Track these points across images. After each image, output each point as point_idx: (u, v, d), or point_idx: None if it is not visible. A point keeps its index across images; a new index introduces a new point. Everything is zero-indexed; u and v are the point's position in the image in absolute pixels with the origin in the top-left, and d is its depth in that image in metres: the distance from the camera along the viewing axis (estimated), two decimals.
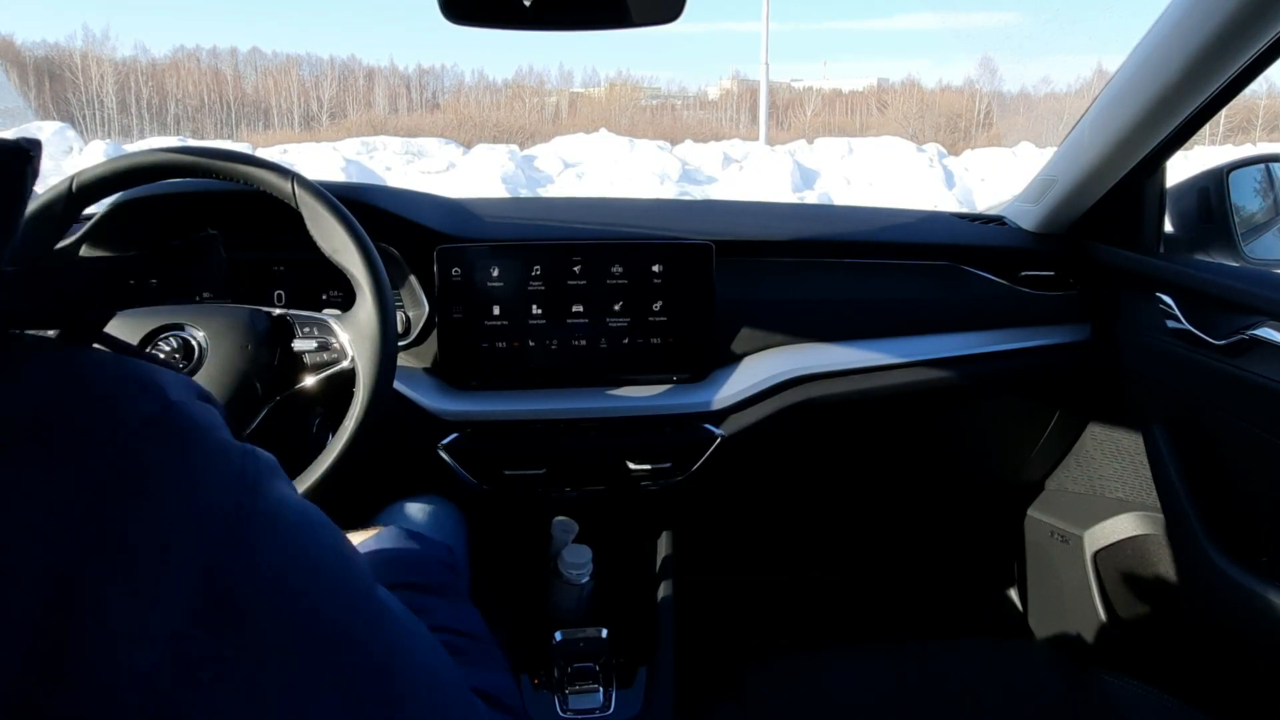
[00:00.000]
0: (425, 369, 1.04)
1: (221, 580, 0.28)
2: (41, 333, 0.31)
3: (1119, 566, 1.24)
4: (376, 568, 0.58)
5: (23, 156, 0.32)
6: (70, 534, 0.25)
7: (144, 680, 0.25)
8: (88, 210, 0.85)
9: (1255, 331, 0.91)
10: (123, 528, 0.26)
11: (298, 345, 0.83)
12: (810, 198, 9.60)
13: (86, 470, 0.26)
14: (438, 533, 0.91)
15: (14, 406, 0.27)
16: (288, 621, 0.29)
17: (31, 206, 0.78)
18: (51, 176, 0.79)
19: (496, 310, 1.01)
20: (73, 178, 0.80)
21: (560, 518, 1.07)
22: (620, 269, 1.01)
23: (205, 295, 1.04)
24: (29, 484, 0.25)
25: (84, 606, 0.25)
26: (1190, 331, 1.00)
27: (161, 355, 0.79)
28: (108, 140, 13.39)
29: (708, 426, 1.05)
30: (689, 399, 1.05)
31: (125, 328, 0.80)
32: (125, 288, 0.33)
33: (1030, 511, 1.41)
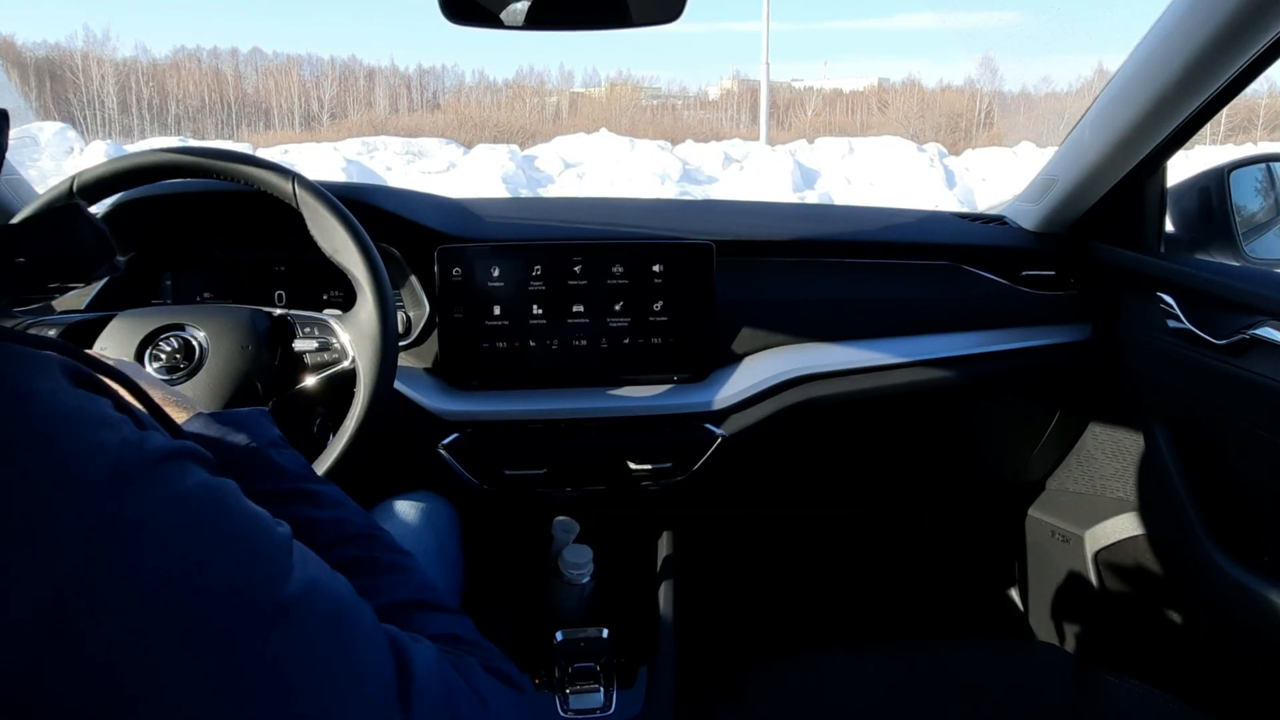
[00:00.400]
0: (426, 369, 1.04)
1: (71, 602, 0.25)
2: None
3: (1120, 566, 1.24)
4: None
5: None
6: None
7: None
8: (89, 210, 0.85)
9: (1256, 331, 0.91)
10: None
11: (298, 345, 0.83)
12: (811, 197, 9.60)
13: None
14: (430, 530, 0.91)
15: None
16: (149, 631, 0.26)
17: (32, 206, 0.79)
18: (52, 177, 0.80)
19: (497, 310, 1.01)
20: (74, 178, 0.80)
21: (561, 518, 1.07)
22: (621, 269, 1.01)
23: (206, 295, 1.04)
24: None
25: None
26: (1191, 331, 1.00)
27: (163, 356, 0.79)
28: (108, 140, 13.40)
29: (708, 426, 1.05)
30: (689, 399, 1.05)
31: (126, 329, 0.81)
32: None
33: (1031, 511, 1.41)
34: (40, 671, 0.24)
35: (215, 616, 0.28)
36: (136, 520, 0.27)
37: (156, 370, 0.79)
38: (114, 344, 0.80)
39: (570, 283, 1.01)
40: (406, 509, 0.93)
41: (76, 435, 0.27)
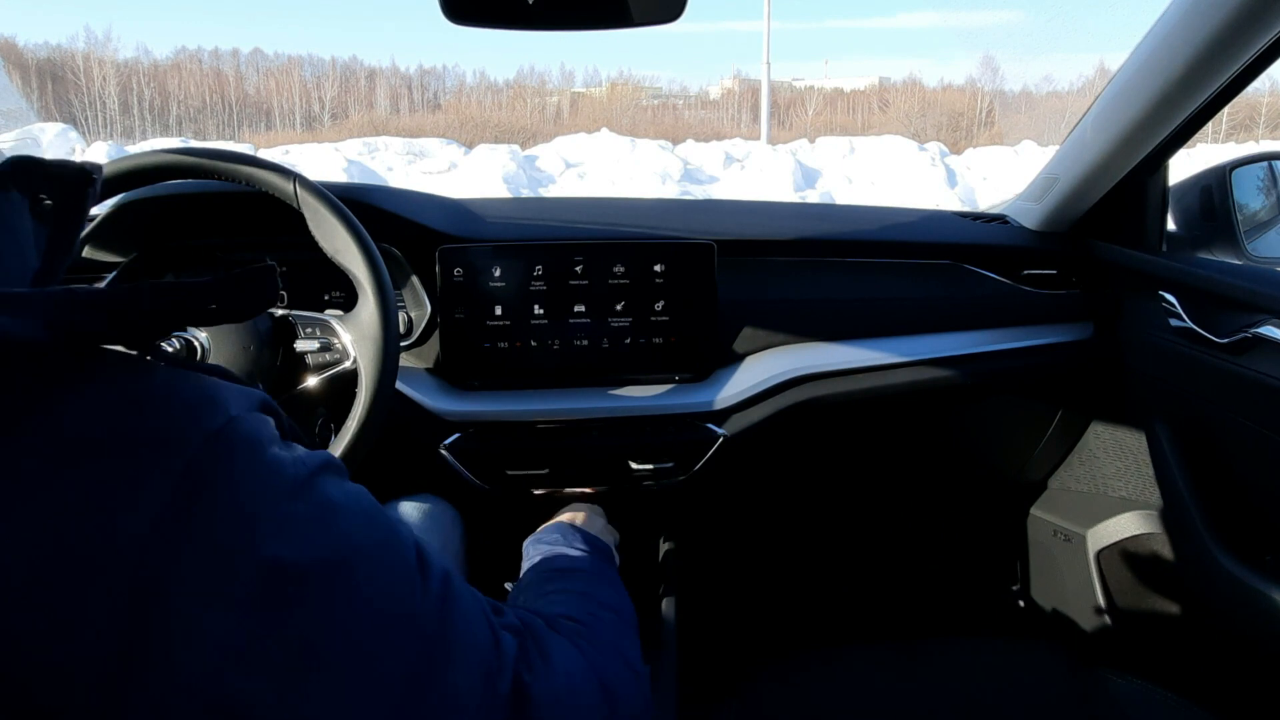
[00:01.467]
0: (427, 369, 1.04)
1: (278, 577, 0.30)
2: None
3: (1122, 565, 1.23)
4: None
5: (87, 179, 0.35)
6: (148, 536, 0.28)
7: (214, 671, 0.28)
8: (90, 211, 0.85)
9: (1258, 330, 0.91)
10: (192, 533, 0.29)
11: (300, 346, 0.83)
12: (812, 197, 9.59)
13: (160, 479, 0.29)
14: (433, 532, 0.91)
15: (94, 416, 0.29)
16: (335, 602, 0.32)
17: None
18: None
19: (498, 310, 1.01)
20: None
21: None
22: (622, 269, 1.01)
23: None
24: (109, 493, 0.28)
25: (161, 603, 0.27)
26: (1193, 330, 1.00)
27: (169, 354, 0.79)
28: (110, 141, 13.43)
29: (710, 426, 1.05)
30: (691, 399, 1.05)
31: None
32: (187, 310, 0.34)
33: (1033, 510, 1.41)
34: (255, 640, 0.29)
35: (370, 583, 0.34)
36: (314, 510, 0.33)
37: None
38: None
39: (572, 283, 1.01)
40: (410, 511, 0.93)
41: (264, 449, 0.33)
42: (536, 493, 1.08)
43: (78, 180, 0.35)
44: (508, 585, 0.97)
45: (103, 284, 0.92)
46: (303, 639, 0.30)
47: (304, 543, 0.32)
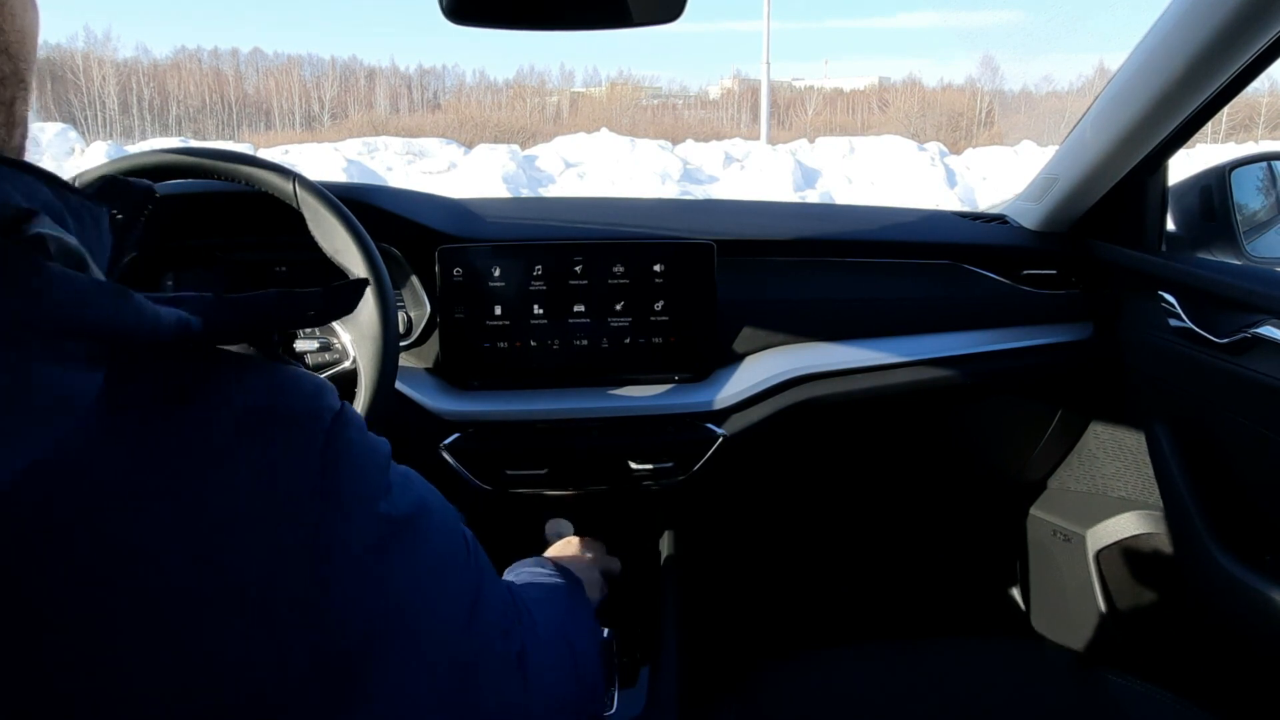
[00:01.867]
0: (427, 369, 1.04)
1: (386, 525, 0.38)
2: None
3: (1122, 565, 1.24)
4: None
5: (150, 197, 0.43)
6: (308, 491, 0.34)
7: (369, 571, 0.36)
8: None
9: (1258, 330, 0.91)
10: (335, 488, 0.35)
11: (299, 345, 0.83)
12: (812, 197, 9.59)
13: (309, 445, 0.35)
14: None
15: (257, 396, 0.35)
16: (422, 543, 0.40)
17: None
18: None
19: (498, 310, 1.01)
20: (75, 179, 0.80)
21: (554, 519, 1.07)
22: (622, 269, 1.01)
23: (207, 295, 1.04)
24: (277, 456, 0.34)
25: (328, 541, 0.34)
26: (1193, 330, 1.00)
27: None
28: (109, 141, 13.42)
29: (709, 426, 1.05)
30: (691, 399, 1.05)
31: None
32: (296, 314, 0.40)
33: (1032, 510, 1.41)
34: (322, 594, 0.34)
35: (451, 538, 0.46)
36: (401, 481, 0.42)
37: None
38: None
39: (571, 282, 1.01)
40: None
41: (368, 432, 0.40)
42: (544, 494, 1.08)
43: (142, 199, 0.42)
44: (551, 526, 1.03)
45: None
46: (397, 574, 0.38)
47: (400, 501, 0.40)
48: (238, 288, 1.04)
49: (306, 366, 0.83)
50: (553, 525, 1.06)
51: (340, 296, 0.42)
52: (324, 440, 0.36)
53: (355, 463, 0.37)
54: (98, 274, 0.32)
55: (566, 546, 0.93)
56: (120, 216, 0.40)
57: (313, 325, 0.41)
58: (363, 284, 0.44)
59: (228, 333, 0.35)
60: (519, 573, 0.74)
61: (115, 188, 0.41)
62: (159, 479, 0.30)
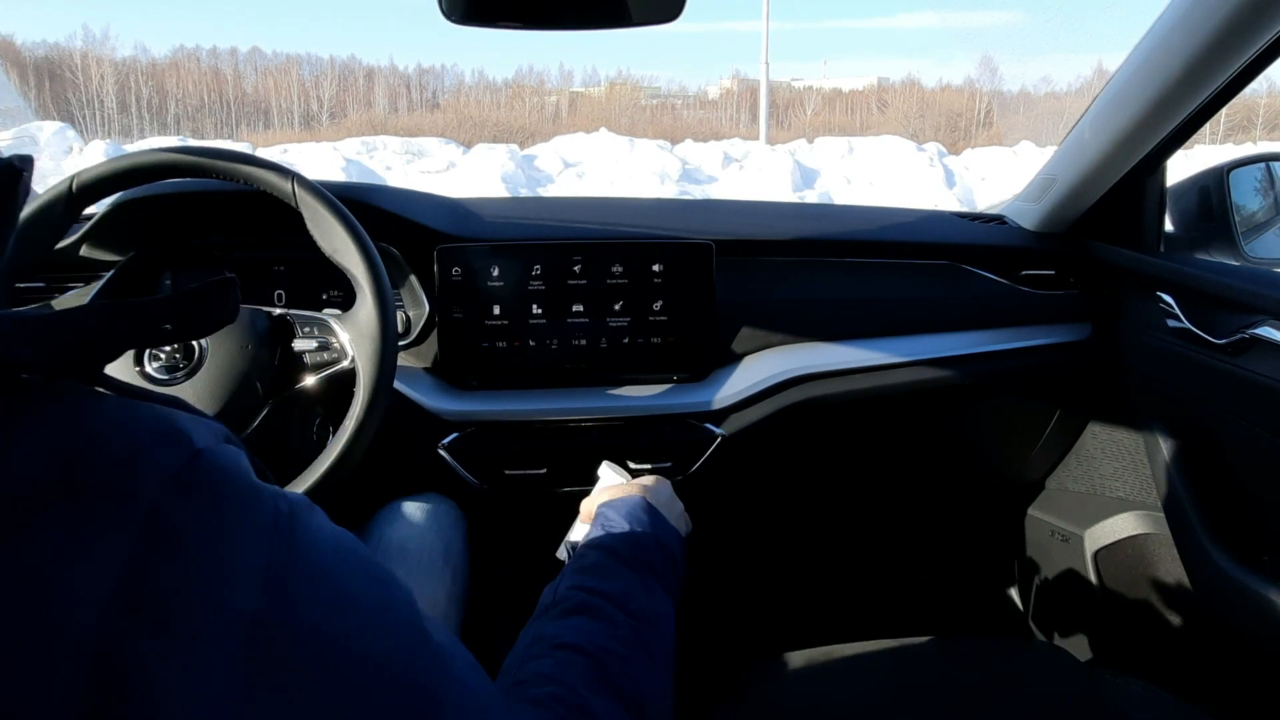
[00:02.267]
0: (425, 369, 1.04)
1: (264, 637, 0.27)
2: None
3: (1119, 566, 1.24)
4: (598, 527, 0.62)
5: (13, 174, 0.31)
6: (108, 598, 0.24)
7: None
8: (88, 210, 0.85)
9: (1256, 331, 0.91)
10: (159, 590, 0.25)
11: (298, 345, 0.83)
12: (811, 197, 9.60)
13: (117, 532, 0.25)
14: (435, 531, 0.91)
15: (34, 464, 0.25)
16: (331, 668, 0.29)
17: (31, 207, 0.79)
18: (51, 177, 0.79)
19: (497, 310, 1.01)
20: (73, 178, 0.80)
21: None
22: (621, 268, 1.01)
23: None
24: (60, 547, 0.24)
25: (129, 671, 0.24)
26: (1191, 331, 1.00)
27: (162, 355, 0.79)
28: (108, 140, 13.41)
29: (708, 426, 1.05)
30: (689, 399, 1.05)
31: None
32: (142, 332, 0.32)
33: (1031, 511, 1.41)
34: (240, 712, 0.26)
35: (365, 643, 0.30)
36: (304, 560, 0.30)
37: (156, 370, 0.79)
38: None
39: (570, 282, 1.01)
40: (413, 510, 0.93)
41: (242, 484, 0.30)
42: (543, 494, 1.08)
43: (6, 178, 0.31)
44: (562, 555, 0.83)
45: (100, 284, 0.92)
46: (294, 708, 0.27)
47: (290, 596, 0.28)
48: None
49: (305, 366, 0.83)
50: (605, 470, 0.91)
51: (200, 304, 0.33)
52: (143, 516, 0.26)
53: (205, 541, 0.27)
54: None
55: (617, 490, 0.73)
56: None
57: (173, 340, 0.33)
58: (226, 285, 0.34)
59: (23, 367, 0.27)
60: (605, 530, 0.60)
61: None
62: None
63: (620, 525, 0.62)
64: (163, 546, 0.26)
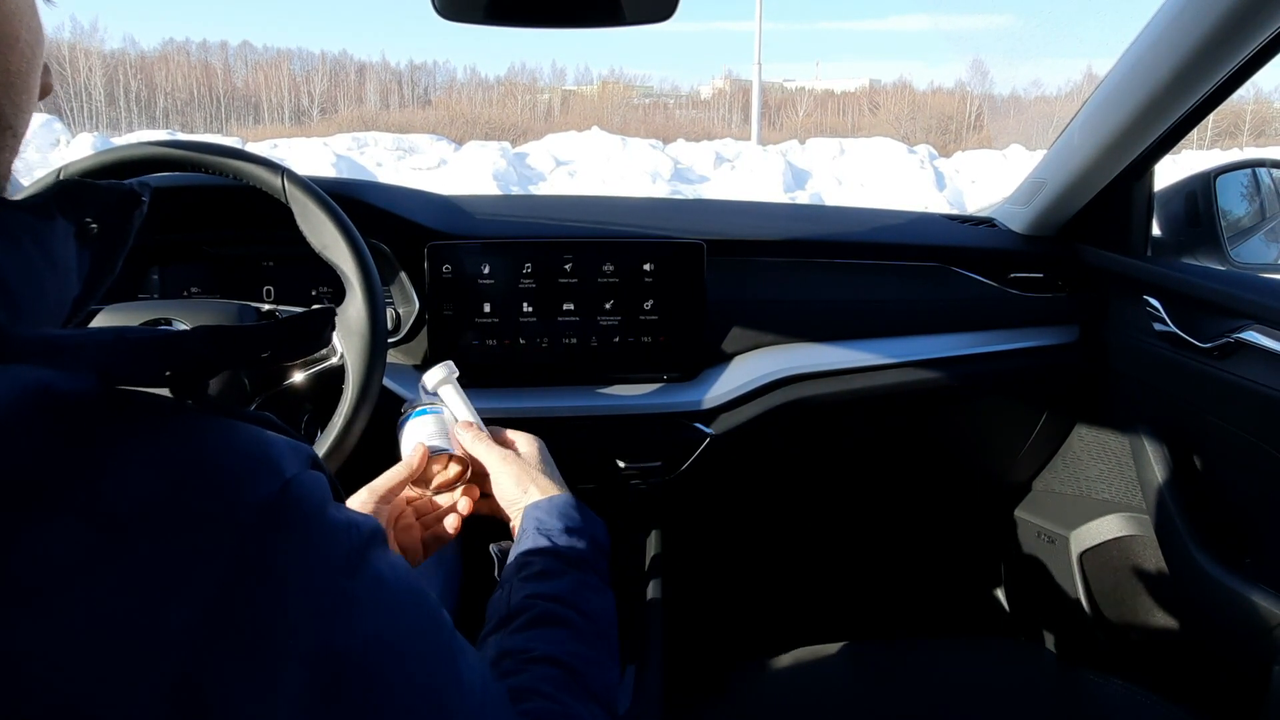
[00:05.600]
0: (415, 366, 1.03)
1: (331, 668, 0.28)
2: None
3: (1105, 567, 1.24)
4: (532, 521, 0.63)
5: (134, 200, 0.33)
6: (198, 623, 0.25)
7: None
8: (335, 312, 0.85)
9: (1241, 334, 0.92)
10: (244, 619, 0.26)
11: None
12: (802, 198, 9.61)
13: (210, 559, 0.26)
14: None
15: (142, 485, 0.26)
16: (387, 698, 0.30)
17: (18, 199, 0.78)
18: (38, 169, 0.79)
19: (487, 308, 1.01)
20: (60, 170, 0.79)
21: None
22: (611, 267, 1.01)
23: (193, 290, 1.04)
24: (155, 568, 0.25)
25: (211, 698, 0.25)
26: (1177, 334, 1.01)
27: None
28: (95, 133, 13.29)
29: (698, 425, 1.05)
30: (679, 398, 1.05)
31: (115, 319, 0.80)
32: (242, 355, 0.32)
33: (1017, 512, 1.42)
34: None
35: (416, 672, 0.32)
36: (370, 590, 0.31)
37: None
38: None
39: (561, 281, 1.01)
40: None
41: (324, 516, 0.31)
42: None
43: (126, 203, 0.34)
44: (494, 549, 0.85)
45: None
46: None
47: (356, 627, 0.29)
48: (225, 282, 1.04)
49: (293, 362, 0.82)
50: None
51: (299, 333, 0.33)
52: (237, 546, 0.27)
53: (289, 575, 0.28)
54: None
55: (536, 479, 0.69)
56: (95, 226, 0.33)
57: (267, 365, 0.34)
58: (324, 315, 0.36)
59: (136, 385, 0.28)
60: (537, 535, 0.61)
61: (79, 192, 0.33)
62: None
63: (554, 525, 0.62)
64: (250, 576, 0.27)
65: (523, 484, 0.67)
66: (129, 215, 0.34)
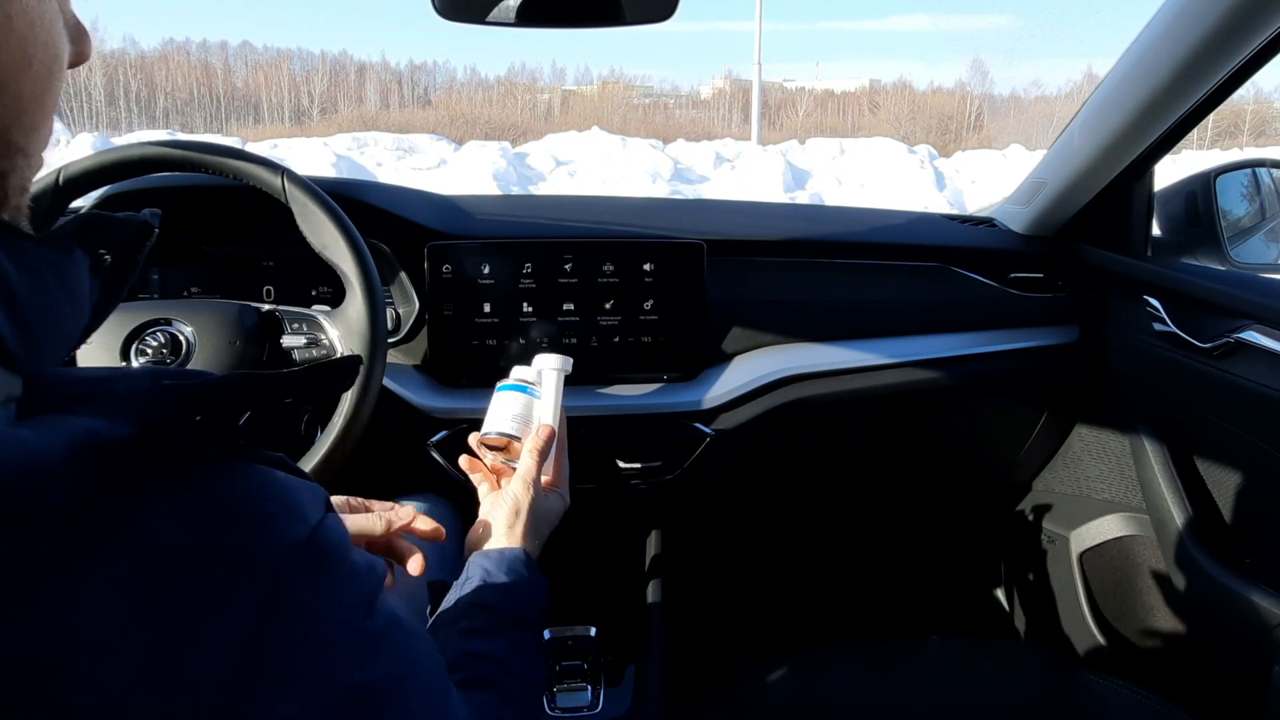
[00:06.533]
0: (415, 366, 1.03)
1: (352, 698, 0.30)
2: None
3: (1105, 567, 1.24)
4: (477, 576, 0.64)
5: (147, 231, 0.35)
6: (234, 662, 0.26)
7: None
8: (75, 203, 0.85)
9: (1241, 334, 0.92)
10: (276, 655, 0.28)
11: (286, 341, 0.82)
12: (802, 198, 9.61)
13: (244, 603, 0.27)
14: None
15: (176, 530, 0.27)
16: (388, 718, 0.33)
17: None
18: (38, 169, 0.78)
19: (487, 308, 1.01)
20: (60, 170, 0.80)
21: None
22: (611, 267, 1.01)
23: (193, 290, 1.04)
24: (195, 613, 0.26)
25: None
26: (1177, 334, 1.01)
27: (149, 350, 0.79)
28: (95, 133, 13.29)
29: (698, 425, 1.05)
30: (679, 398, 1.05)
31: (112, 322, 0.80)
32: (271, 401, 0.33)
33: (1017, 512, 1.42)
34: None
35: (414, 707, 0.35)
36: (384, 630, 0.34)
37: (142, 365, 0.78)
38: (100, 338, 0.79)
39: (561, 281, 1.01)
40: None
41: (346, 560, 0.32)
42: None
43: (139, 235, 0.35)
44: (429, 585, 0.78)
45: None
46: None
47: (375, 662, 0.32)
48: (225, 282, 1.04)
49: (293, 363, 0.82)
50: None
51: (329, 378, 0.35)
52: (269, 585, 0.28)
53: (317, 615, 0.30)
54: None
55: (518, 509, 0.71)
56: (109, 258, 0.34)
57: (291, 408, 0.37)
58: (356, 361, 0.37)
59: (170, 436, 0.29)
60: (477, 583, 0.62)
61: (98, 226, 0.34)
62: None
63: (499, 579, 0.63)
64: (281, 617, 0.28)
65: (491, 533, 0.69)
66: (141, 246, 0.35)
